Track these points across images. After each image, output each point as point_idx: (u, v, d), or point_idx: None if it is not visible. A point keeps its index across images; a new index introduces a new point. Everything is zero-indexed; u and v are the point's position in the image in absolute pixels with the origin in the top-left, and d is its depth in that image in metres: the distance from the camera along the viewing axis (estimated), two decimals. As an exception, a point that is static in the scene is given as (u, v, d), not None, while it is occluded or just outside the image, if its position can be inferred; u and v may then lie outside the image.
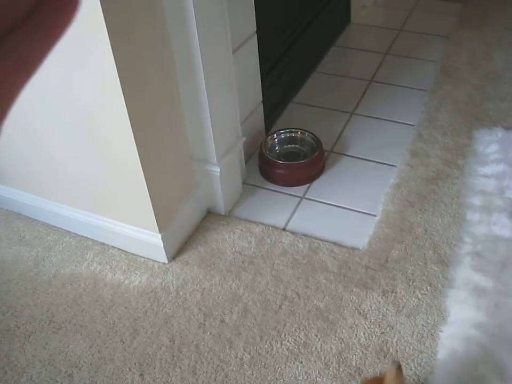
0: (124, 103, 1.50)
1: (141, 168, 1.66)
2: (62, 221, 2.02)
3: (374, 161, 2.23)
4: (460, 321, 1.64)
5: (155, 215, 1.78)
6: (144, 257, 1.91)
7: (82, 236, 2.00)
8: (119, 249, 1.94)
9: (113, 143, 1.66)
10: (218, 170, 1.89)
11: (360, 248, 1.89)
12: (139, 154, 1.63)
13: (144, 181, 1.69)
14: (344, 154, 2.27)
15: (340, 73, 2.76)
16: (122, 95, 1.49)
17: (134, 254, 1.92)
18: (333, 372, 1.56)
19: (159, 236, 1.82)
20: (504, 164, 2.09)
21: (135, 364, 1.63)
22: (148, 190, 1.71)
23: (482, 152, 2.18)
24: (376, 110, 2.47)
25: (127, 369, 1.61)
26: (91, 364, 1.64)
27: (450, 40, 2.89)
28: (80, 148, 1.73)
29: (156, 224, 1.80)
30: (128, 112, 1.53)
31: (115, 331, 1.71)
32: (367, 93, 2.58)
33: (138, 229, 1.85)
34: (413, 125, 2.36)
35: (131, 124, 1.55)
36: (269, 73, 2.31)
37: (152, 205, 1.75)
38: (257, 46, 2.08)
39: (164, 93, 1.69)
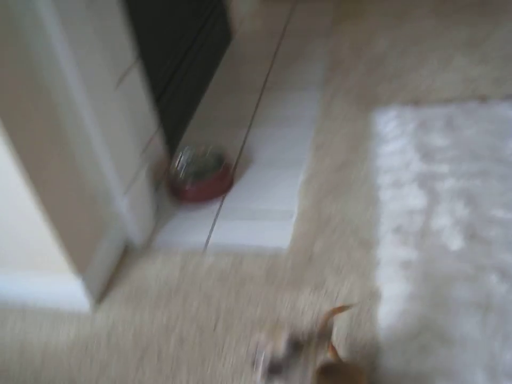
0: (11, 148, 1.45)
1: (45, 214, 1.59)
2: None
3: (281, 164, 2.23)
4: (394, 297, 1.64)
5: (72, 260, 1.70)
6: (68, 309, 1.82)
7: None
8: (40, 307, 1.84)
9: (7, 196, 1.59)
10: (127, 202, 1.84)
11: (284, 248, 1.87)
12: (40, 201, 1.56)
13: (52, 228, 1.62)
14: (251, 163, 2.26)
15: (232, 87, 2.77)
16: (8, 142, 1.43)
17: (57, 308, 1.83)
18: (280, 378, 1.52)
19: (79, 281, 1.74)
20: (404, 137, 2.14)
21: (77, 421, 1.54)
22: (58, 236, 1.64)
23: (382, 131, 2.22)
24: (274, 116, 2.49)
25: (70, 429, 1.52)
26: (30, 434, 1.53)
27: (331, 36, 2.96)
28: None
29: (73, 269, 1.72)
30: (16, 157, 1.46)
31: (51, 393, 1.62)
32: (261, 101, 2.60)
33: (56, 278, 1.76)
34: (311, 121, 2.39)
35: (23, 170, 1.49)
36: (161, 98, 2.29)
37: (67, 250, 1.68)
38: (140, 75, 2.05)
39: (53, 138, 1.64)
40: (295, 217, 1.97)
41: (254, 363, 1.02)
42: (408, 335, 1.54)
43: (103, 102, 1.75)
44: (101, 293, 1.84)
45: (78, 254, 1.74)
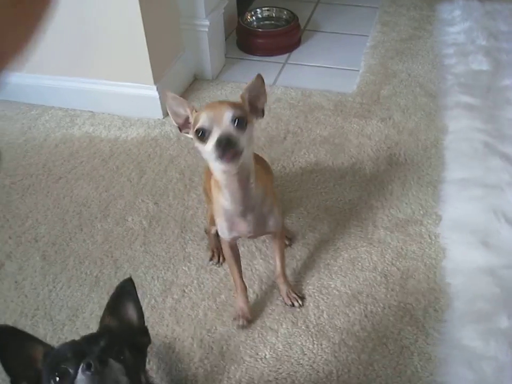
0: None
1: (141, 20, 1.67)
2: (44, 96, 1.94)
3: (347, 34, 2.30)
4: (459, 129, 1.71)
5: (151, 67, 1.76)
6: (138, 117, 1.87)
7: (68, 108, 1.94)
8: (109, 114, 1.90)
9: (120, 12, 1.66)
10: (208, 23, 1.90)
11: (351, 92, 1.93)
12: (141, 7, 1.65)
13: (144, 32, 1.69)
14: (318, 31, 2.33)
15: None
16: None
17: (126, 116, 1.88)
18: (349, 180, 1.59)
19: (154, 87, 1.80)
20: (470, 21, 2.21)
21: (147, 195, 1.59)
22: (146, 41, 1.71)
23: (448, 17, 2.29)
24: (340, -1, 2.56)
25: (140, 201, 1.57)
26: (100, 202, 1.58)
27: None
28: None
29: (151, 76, 1.78)
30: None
31: (120, 174, 1.67)
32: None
33: (133, 84, 1.81)
34: (377, 7, 2.45)
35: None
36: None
37: (149, 57, 1.74)
38: None
39: None
40: (361, 71, 2.03)
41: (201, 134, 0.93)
42: (473, 155, 1.61)
43: None
44: (171, 107, 1.90)
45: (157, 65, 1.79)
